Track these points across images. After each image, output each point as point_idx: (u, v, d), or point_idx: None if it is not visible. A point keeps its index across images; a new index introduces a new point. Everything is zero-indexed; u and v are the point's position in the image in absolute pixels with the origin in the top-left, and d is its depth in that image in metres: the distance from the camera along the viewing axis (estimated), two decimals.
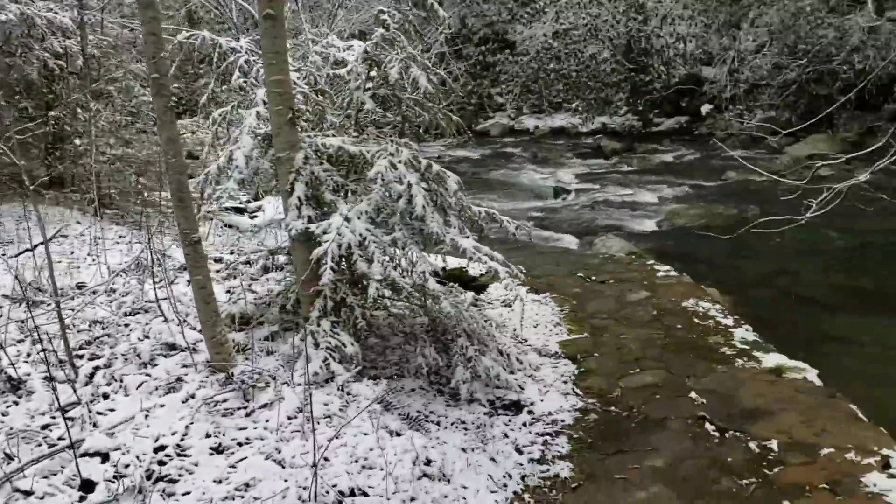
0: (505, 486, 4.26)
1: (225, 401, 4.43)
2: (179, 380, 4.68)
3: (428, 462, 4.18)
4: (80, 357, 4.92)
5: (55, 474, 3.73)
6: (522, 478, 4.39)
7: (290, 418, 4.29)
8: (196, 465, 3.86)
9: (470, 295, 7.34)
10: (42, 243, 5.10)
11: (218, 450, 4.02)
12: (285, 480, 3.72)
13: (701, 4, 23.05)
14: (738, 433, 4.72)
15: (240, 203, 11.05)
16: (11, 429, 3.97)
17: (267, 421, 4.25)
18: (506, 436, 4.88)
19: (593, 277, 8.05)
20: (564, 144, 24.62)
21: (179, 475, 3.79)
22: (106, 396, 4.48)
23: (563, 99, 27.03)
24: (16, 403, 4.32)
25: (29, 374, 4.55)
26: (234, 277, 6.64)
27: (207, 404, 4.36)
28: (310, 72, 5.97)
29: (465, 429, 4.92)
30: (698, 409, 5.07)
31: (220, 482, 3.73)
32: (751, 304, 9.38)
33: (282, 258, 6.53)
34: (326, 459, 3.92)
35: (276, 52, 4.81)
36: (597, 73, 25.37)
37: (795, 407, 4.94)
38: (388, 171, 5.01)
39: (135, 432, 4.06)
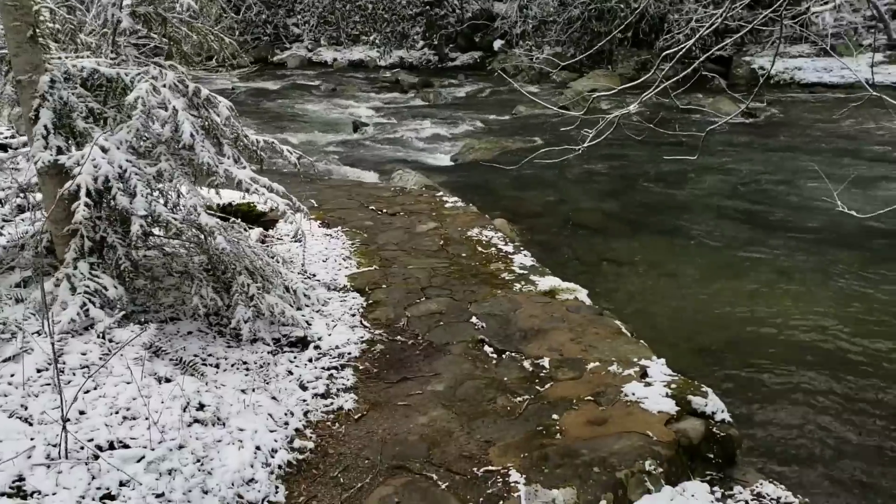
0: (286, 423, 4.15)
1: None
2: None
3: (201, 407, 3.96)
4: None
5: None
6: (305, 413, 4.31)
7: (39, 371, 3.87)
8: None
9: (257, 231, 7.04)
10: None
11: None
12: (32, 439, 3.35)
13: None
14: (513, 354, 4.93)
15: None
16: None
17: (12, 375, 3.80)
18: (290, 373, 4.76)
19: (385, 210, 8.02)
20: (363, 78, 24.27)
21: None
22: None
23: (360, 31, 26.51)
24: None
25: None
26: None
27: None
28: None
29: (247, 369, 4.74)
30: (478, 333, 5.23)
31: None
32: (534, 232, 9.90)
33: (40, 196, 5.85)
34: (82, 413, 3.59)
35: None
36: (393, 6, 25.06)
37: (566, 326, 5.24)
38: (150, 96, 4.58)
39: None
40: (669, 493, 3.56)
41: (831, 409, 5.92)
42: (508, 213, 10.35)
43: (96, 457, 3.30)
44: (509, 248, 6.81)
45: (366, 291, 5.90)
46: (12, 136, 10.13)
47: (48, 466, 3.26)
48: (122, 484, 3.22)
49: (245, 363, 4.80)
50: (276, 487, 3.63)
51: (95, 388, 3.80)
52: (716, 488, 3.68)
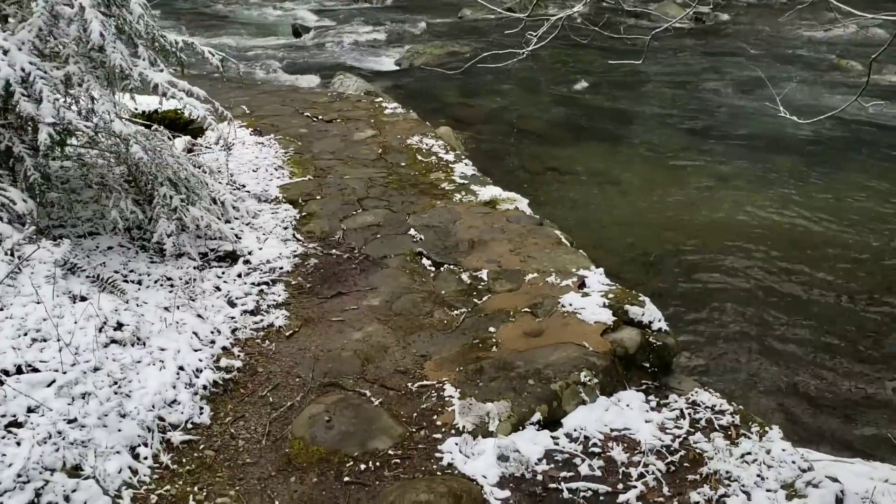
0: (212, 342, 3.98)
1: None
2: None
3: (119, 326, 3.75)
4: None
5: None
6: (233, 331, 4.13)
7: None
8: None
9: (183, 140, 6.65)
10: None
11: None
12: None
13: None
14: (452, 266, 4.80)
15: None
16: None
17: None
18: (218, 289, 4.55)
19: (320, 117, 7.67)
20: None
21: None
22: None
23: None
24: None
25: None
26: None
27: None
28: None
29: (172, 286, 4.51)
30: (417, 245, 5.07)
31: None
32: (479, 140, 9.72)
33: None
34: None
35: None
36: None
37: (505, 237, 5.12)
38: None
39: None
40: (604, 404, 3.53)
41: (766, 315, 6.02)
42: (453, 121, 10.11)
43: (1, 382, 3.08)
44: (450, 157, 6.59)
45: (299, 203, 5.65)
46: None
47: None
48: (30, 410, 3.02)
49: (169, 279, 4.57)
50: (201, 408, 3.48)
51: (2, 310, 3.54)
52: (651, 397, 3.67)
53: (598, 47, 13.38)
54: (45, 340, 3.43)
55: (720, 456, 3.17)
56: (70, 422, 3.05)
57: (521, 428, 3.36)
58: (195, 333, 3.99)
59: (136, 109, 6.74)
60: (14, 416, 2.98)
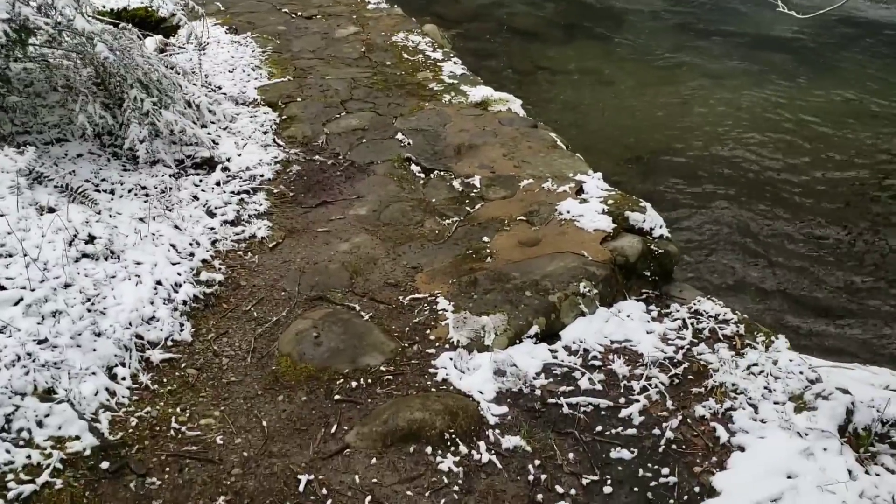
0: (191, 255, 3.77)
1: None
2: None
3: (91, 239, 3.52)
4: None
5: None
6: (213, 243, 3.92)
7: None
8: None
9: (154, 39, 6.23)
10: None
11: None
12: None
13: None
14: (442, 172, 4.56)
15: None
16: None
17: None
18: (196, 198, 4.31)
19: (299, 13, 7.21)
20: None
21: None
22: None
23: None
24: None
25: None
26: None
27: None
28: None
29: (147, 195, 4.26)
30: (405, 150, 4.81)
31: None
32: (466, 38, 9.28)
33: None
34: None
35: None
36: None
37: (498, 140, 4.86)
38: None
39: None
40: (604, 315, 3.39)
41: (760, 215, 5.91)
42: (438, 18, 9.63)
43: None
44: (438, 55, 6.23)
45: (279, 106, 5.33)
46: None
47: None
48: None
49: (144, 188, 4.31)
50: (181, 325, 3.31)
51: None
52: (652, 307, 3.53)
53: None
54: (10, 256, 3.20)
55: (726, 368, 3.06)
56: (40, 342, 2.87)
57: (518, 341, 3.22)
58: (173, 246, 3.78)
59: (104, 7, 6.31)
60: None
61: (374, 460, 2.64)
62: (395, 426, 2.69)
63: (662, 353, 3.18)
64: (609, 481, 2.61)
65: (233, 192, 4.38)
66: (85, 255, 3.42)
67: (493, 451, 2.69)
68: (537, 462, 2.67)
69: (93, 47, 4.23)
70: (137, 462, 2.59)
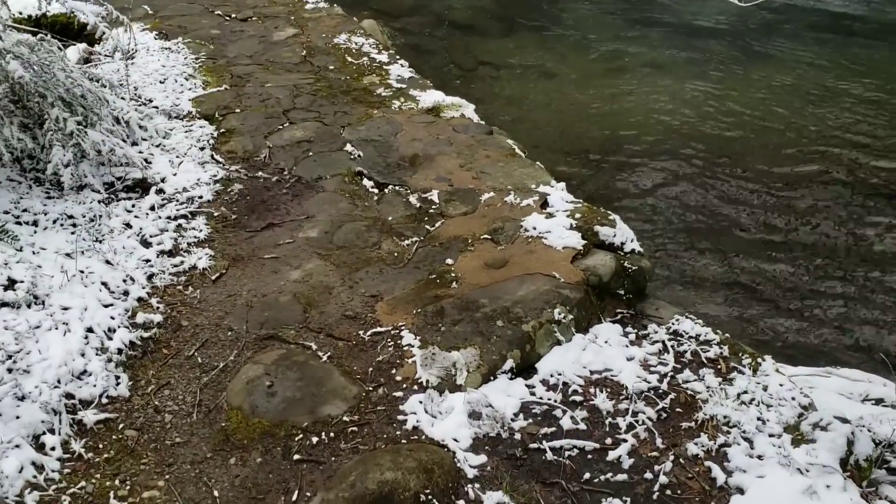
0: (126, 293, 3.41)
1: None
2: None
3: (11, 284, 3.15)
4: None
5: None
6: (150, 278, 3.56)
7: None
8: None
9: (77, 48, 5.76)
10: None
11: None
12: None
13: None
14: (397, 187, 4.28)
15: None
16: None
17: None
18: (129, 226, 3.93)
19: (234, 15, 6.81)
20: None
21: None
22: None
23: None
24: None
25: None
26: None
27: None
28: None
29: (74, 225, 3.88)
30: (355, 163, 4.51)
31: None
32: (406, 33, 9.04)
33: None
34: None
35: None
36: None
37: (454, 149, 4.59)
38: None
39: None
40: (581, 342, 3.17)
41: (711, 208, 5.85)
42: (375, 13, 9.36)
43: None
44: (384, 58, 5.92)
45: (216, 118, 4.96)
46: None
47: None
48: None
49: (71, 217, 3.93)
50: (117, 378, 2.96)
51: None
52: (629, 328, 3.32)
53: None
54: None
55: (715, 398, 2.86)
56: None
57: (492, 378, 2.97)
58: (105, 284, 3.42)
59: (21, 14, 5.81)
60: None
61: None
62: (364, 490, 2.41)
63: (646, 382, 2.97)
64: None
65: (169, 218, 4.02)
66: (4, 304, 3.04)
67: None
68: None
69: (6, 64, 3.82)
70: None
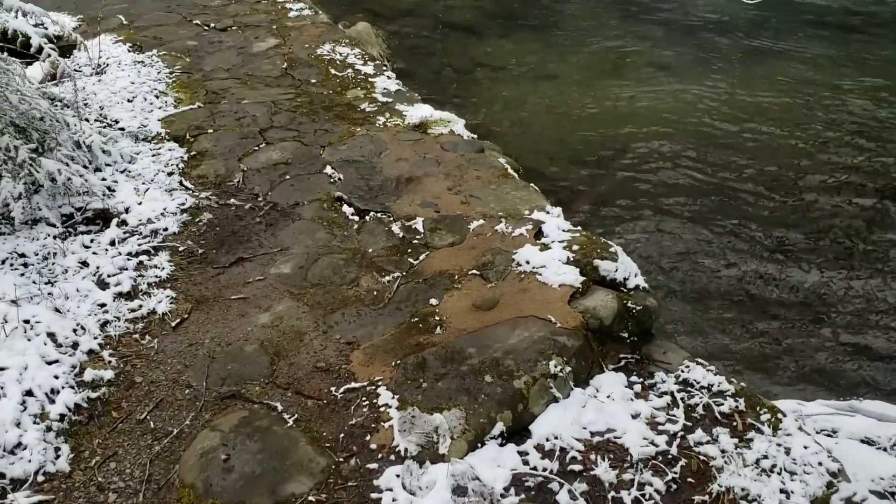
0: (74, 346, 3.08)
1: None
2: None
3: None
4: None
5: None
6: (103, 326, 3.23)
7: None
8: None
9: (42, 66, 5.43)
10: None
11: None
12: None
13: None
14: (379, 214, 3.93)
15: None
16: None
17: None
18: (84, 265, 3.61)
19: (213, 24, 6.46)
20: None
21: None
22: None
23: None
24: None
25: None
26: None
27: None
28: None
29: (25, 265, 3.56)
30: (335, 187, 4.17)
31: None
32: (401, 35, 8.74)
33: None
34: None
35: None
36: None
37: (442, 170, 4.25)
38: None
39: None
40: (580, 398, 2.82)
41: (719, 217, 5.60)
42: (371, 14, 9.07)
43: None
44: (370, 69, 5.57)
45: (187, 139, 4.62)
46: None
47: None
48: None
49: (22, 256, 3.61)
50: (57, 450, 2.63)
51: None
52: (633, 378, 2.97)
53: None
54: None
55: (731, 466, 2.51)
56: None
57: (479, 445, 2.62)
58: (51, 336, 3.09)
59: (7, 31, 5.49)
60: None
61: None
62: None
63: (653, 446, 2.62)
64: None
65: (130, 254, 3.68)
66: None
67: None
68: None
69: None
70: None
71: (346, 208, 4.01)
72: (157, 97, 5.07)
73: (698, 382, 2.93)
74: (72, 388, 2.86)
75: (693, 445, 2.63)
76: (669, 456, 2.60)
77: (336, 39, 6.06)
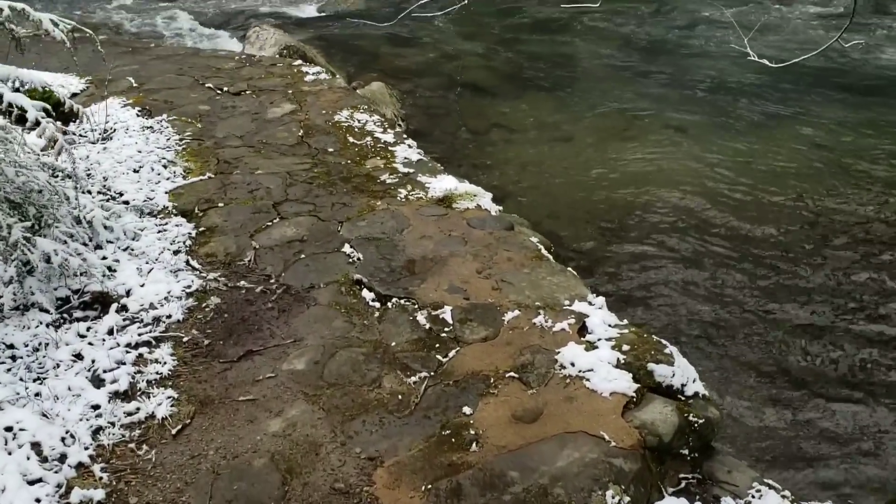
0: (62, 457, 2.72)
1: None
2: None
3: None
4: None
5: None
6: (96, 433, 2.87)
7: None
8: None
9: (45, 131, 5.17)
10: None
11: None
12: None
13: None
14: (402, 300, 3.59)
15: None
16: None
17: None
18: (79, 358, 3.27)
19: (226, 88, 6.24)
20: None
21: None
22: None
23: None
24: None
25: None
26: None
27: None
28: None
29: (13, 357, 3.24)
30: (354, 268, 3.84)
31: None
32: (416, 95, 8.60)
33: None
34: None
35: None
36: None
37: (470, 249, 3.93)
38: None
39: None
40: None
41: (748, 292, 5.34)
42: (385, 75, 8.95)
43: None
44: (389, 137, 5.30)
45: (195, 214, 4.32)
46: None
47: None
48: None
49: (11, 347, 3.28)
50: None
51: None
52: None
53: None
54: None
55: None
56: None
57: None
58: (36, 446, 2.74)
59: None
60: None
61: None
62: None
63: None
64: None
65: (129, 346, 3.34)
66: None
67: None
68: None
69: None
70: None
71: (365, 293, 3.68)
72: (164, 167, 4.79)
73: None
74: None
75: None
76: None
77: (354, 105, 5.81)
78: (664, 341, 3.11)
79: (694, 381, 2.95)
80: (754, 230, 5.94)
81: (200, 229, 4.20)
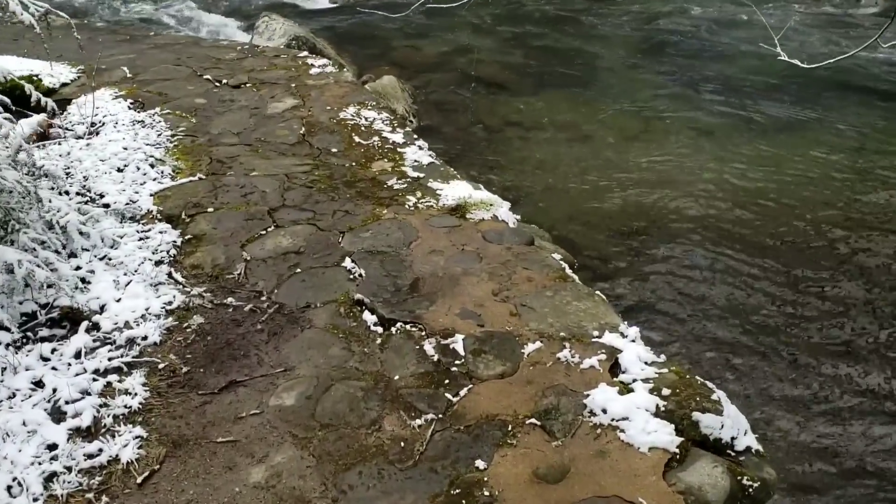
0: None
1: None
2: None
3: None
4: None
5: None
6: (49, 480, 2.48)
7: None
8: None
9: (32, 122, 4.80)
10: None
11: None
12: None
13: None
14: (408, 325, 3.17)
15: None
16: None
17: None
18: (39, 386, 2.88)
19: (225, 80, 5.83)
20: None
21: None
22: None
23: None
24: None
25: None
26: None
27: None
28: None
29: None
30: (355, 287, 3.43)
31: None
32: (428, 89, 8.24)
33: None
34: None
35: None
36: None
37: (485, 267, 3.50)
38: None
39: None
40: None
41: (773, 305, 4.95)
42: (397, 68, 8.58)
43: None
44: (398, 137, 4.87)
45: (182, 220, 3.92)
46: None
47: None
48: None
49: None
50: None
51: None
52: None
53: None
54: None
55: None
56: None
57: None
58: None
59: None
60: None
61: None
62: None
63: None
64: None
65: (97, 372, 2.95)
66: None
67: None
68: None
69: None
70: None
71: (367, 315, 3.26)
72: (152, 166, 4.38)
73: None
74: None
75: None
76: None
77: (361, 101, 5.38)
78: (710, 384, 2.69)
79: (745, 433, 2.53)
80: (780, 240, 5.57)
81: (187, 237, 3.79)
